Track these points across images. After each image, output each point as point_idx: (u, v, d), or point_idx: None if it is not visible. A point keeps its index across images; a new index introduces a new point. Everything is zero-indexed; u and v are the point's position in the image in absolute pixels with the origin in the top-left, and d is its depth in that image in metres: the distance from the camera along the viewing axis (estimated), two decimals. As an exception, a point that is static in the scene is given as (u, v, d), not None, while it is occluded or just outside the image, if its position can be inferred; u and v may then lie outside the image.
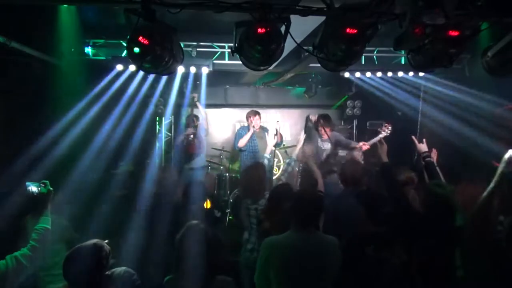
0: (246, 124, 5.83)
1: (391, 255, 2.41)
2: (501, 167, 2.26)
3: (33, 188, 2.43)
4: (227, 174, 6.32)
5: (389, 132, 5.27)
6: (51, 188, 2.47)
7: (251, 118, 5.62)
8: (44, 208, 2.43)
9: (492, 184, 2.23)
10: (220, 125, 7.09)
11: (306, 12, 2.67)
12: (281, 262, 2.30)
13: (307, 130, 5.36)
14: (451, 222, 2.50)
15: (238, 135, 5.73)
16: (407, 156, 6.07)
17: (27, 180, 2.48)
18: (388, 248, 2.46)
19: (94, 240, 2.15)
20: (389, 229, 2.63)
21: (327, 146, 5.35)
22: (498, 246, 2.13)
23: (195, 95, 5.82)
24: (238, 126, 6.98)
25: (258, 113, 5.69)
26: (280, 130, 5.61)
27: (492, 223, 2.27)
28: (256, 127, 5.61)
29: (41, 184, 2.45)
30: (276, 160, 6.83)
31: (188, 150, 5.67)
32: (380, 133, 5.32)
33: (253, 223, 3.22)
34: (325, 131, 5.32)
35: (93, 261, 2.05)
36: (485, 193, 2.22)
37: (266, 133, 5.67)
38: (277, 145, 5.75)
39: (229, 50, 3.70)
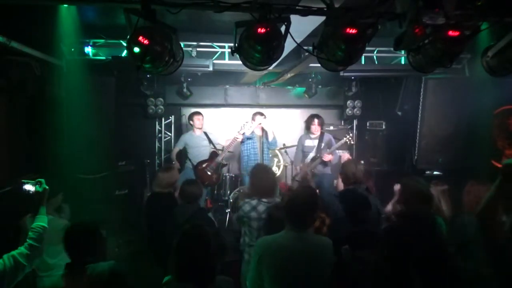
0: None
1: (367, 255, 2.39)
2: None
3: (28, 187, 2.42)
4: (227, 174, 6.31)
5: (349, 140, 5.47)
6: (46, 187, 2.46)
7: (255, 117, 5.71)
8: (40, 207, 2.42)
9: (493, 188, 2.13)
10: (220, 125, 7.06)
11: (306, 12, 2.67)
12: (275, 262, 2.29)
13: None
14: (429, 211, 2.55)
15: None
16: (407, 155, 6.07)
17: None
18: (364, 248, 2.45)
19: None
20: (368, 229, 2.64)
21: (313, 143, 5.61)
22: (500, 247, 2.13)
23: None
24: (237, 126, 6.95)
25: (263, 114, 5.77)
26: (270, 129, 5.72)
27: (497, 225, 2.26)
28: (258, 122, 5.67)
29: (37, 183, 2.44)
30: (276, 160, 6.82)
31: (203, 179, 5.61)
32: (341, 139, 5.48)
33: (251, 226, 3.03)
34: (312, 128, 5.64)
35: None
36: (488, 195, 2.13)
37: (266, 138, 5.74)
38: (271, 144, 5.77)
39: (229, 50, 3.70)
